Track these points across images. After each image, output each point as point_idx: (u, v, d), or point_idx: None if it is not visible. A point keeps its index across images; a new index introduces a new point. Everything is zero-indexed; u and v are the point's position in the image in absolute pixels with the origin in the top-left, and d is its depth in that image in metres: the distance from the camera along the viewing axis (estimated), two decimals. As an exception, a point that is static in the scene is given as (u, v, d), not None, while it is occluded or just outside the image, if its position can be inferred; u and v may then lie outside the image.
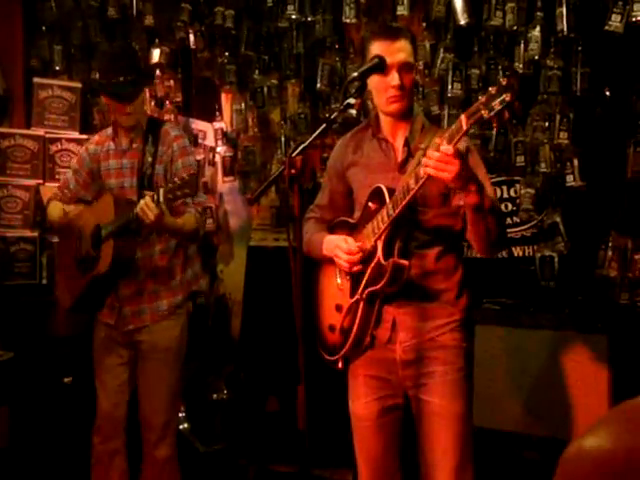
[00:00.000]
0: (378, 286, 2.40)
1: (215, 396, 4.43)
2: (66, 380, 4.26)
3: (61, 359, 4.30)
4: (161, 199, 2.80)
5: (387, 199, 2.38)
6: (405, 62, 2.40)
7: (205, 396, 4.41)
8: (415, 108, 2.56)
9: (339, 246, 2.48)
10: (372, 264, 2.42)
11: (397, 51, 2.39)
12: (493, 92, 2.01)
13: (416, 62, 2.56)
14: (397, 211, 2.32)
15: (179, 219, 3.05)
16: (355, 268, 2.46)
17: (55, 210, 3.28)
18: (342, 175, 2.65)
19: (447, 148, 2.11)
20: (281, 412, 4.31)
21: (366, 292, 2.45)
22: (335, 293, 2.59)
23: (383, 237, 2.39)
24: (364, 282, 2.45)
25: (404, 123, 2.50)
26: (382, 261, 2.38)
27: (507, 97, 1.98)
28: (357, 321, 2.48)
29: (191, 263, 3.26)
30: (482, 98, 2.04)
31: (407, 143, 2.48)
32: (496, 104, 2.00)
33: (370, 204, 2.47)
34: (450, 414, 2.45)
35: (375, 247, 2.41)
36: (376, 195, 2.45)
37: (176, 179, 2.86)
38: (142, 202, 2.84)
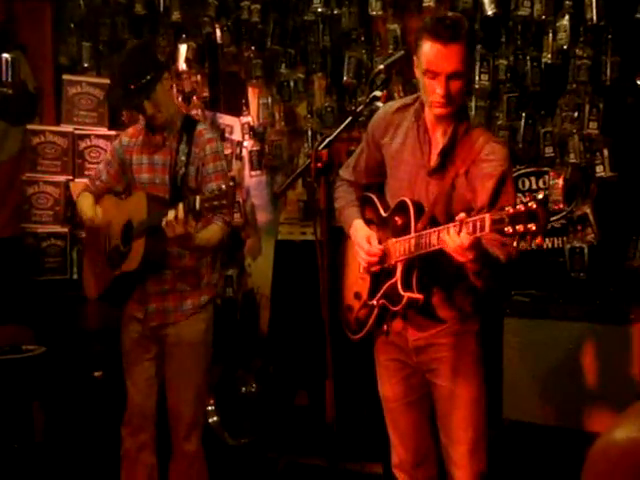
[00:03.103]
0: (393, 309, 2.46)
1: (244, 390, 4.44)
2: (96, 374, 4.30)
3: (92, 353, 4.35)
4: (197, 207, 2.75)
5: (412, 225, 2.37)
6: (454, 72, 2.31)
7: (234, 390, 4.43)
8: (466, 111, 2.55)
9: (362, 245, 2.52)
10: (390, 281, 2.45)
11: (448, 59, 2.30)
12: (522, 209, 1.99)
13: (471, 64, 2.46)
14: (415, 255, 2.34)
15: (204, 233, 3.02)
16: (372, 269, 2.51)
17: (86, 203, 3.29)
18: (379, 146, 2.62)
19: (467, 238, 2.12)
20: (310, 406, 4.32)
21: (381, 302, 2.50)
22: (356, 279, 2.63)
23: (404, 261, 2.41)
24: (381, 292, 2.49)
25: (447, 120, 2.45)
26: (400, 290, 2.40)
27: (532, 227, 1.98)
28: (370, 322, 2.57)
29: (215, 265, 3.27)
30: (510, 209, 2.01)
31: (443, 153, 2.44)
32: (520, 228, 1.99)
33: (396, 217, 2.47)
34: (460, 398, 2.49)
35: (395, 268, 2.43)
36: (401, 209, 2.45)
37: (214, 186, 2.84)
38: (171, 215, 2.80)
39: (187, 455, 3.20)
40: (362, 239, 2.53)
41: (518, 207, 1.99)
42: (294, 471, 4.03)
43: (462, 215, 2.16)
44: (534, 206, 1.98)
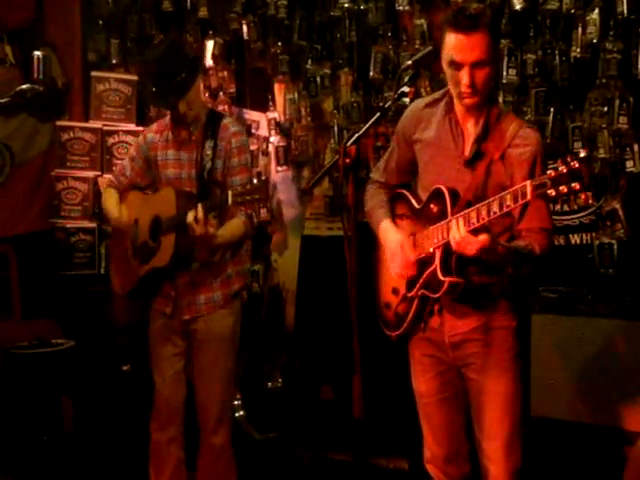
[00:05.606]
0: (433, 296, 2.45)
1: (270, 385, 4.46)
2: (125, 368, 4.34)
3: (120, 347, 4.39)
4: (229, 202, 2.80)
5: (449, 210, 2.37)
6: (478, 61, 2.32)
7: (260, 385, 4.45)
8: (495, 99, 2.54)
9: (396, 254, 2.52)
10: (429, 270, 2.44)
11: (471, 48, 2.30)
12: (564, 171, 1.98)
13: (496, 53, 2.41)
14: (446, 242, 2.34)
15: (226, 230, 3.06)
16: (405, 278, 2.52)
17: (111, 201, 3.32)
18: (410, 144, 2.62)
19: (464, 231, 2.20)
20: (336, 400, 4.33)
21: (420, 293, 2.49)
22: (393, 276, 2.62)
23: (441, 247, 2.40)
24: (420, 283, 2.48)
25: (477, 111, 2.46)
26: (440, 276, 2.39)
27: (576, 186, 1.98)
28: (410, 316, 2.56)
29: (245, 257, 3.28)
30: (551, 172, 2.02)
31: (477, 143, 2.44)
32: (564, 189, 1.99)
33: (432, 205, 2.47)
34: (496, 393, 2.49)
35: (433, 255, 2.42)
36: (437, 196, 2.44)
37: (237, 180, 2.88)
38: (190, 217, 2.86)
39: (214, 448, 3.22)
40: (396, 245, 2.53)
41: (560, 169, 1.99)
42: (320, 465, 4.04)
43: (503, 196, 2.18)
44: (576, 165, 1.98)
